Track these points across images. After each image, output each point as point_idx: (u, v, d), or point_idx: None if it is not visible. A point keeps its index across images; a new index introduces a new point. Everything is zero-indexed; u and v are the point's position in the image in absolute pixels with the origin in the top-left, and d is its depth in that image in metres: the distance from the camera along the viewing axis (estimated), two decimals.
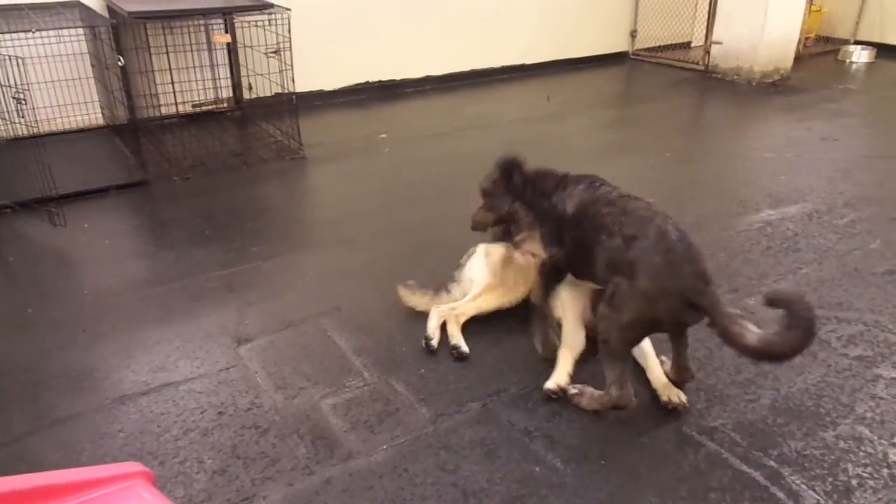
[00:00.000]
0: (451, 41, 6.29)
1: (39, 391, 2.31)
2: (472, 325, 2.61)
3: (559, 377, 2.30)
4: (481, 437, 2.10)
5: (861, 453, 2.02)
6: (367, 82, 5.97)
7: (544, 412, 2.20)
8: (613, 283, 2.04)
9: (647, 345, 2.37)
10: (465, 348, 2.49)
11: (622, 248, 2.03)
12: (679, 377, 2.30)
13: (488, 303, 2.65)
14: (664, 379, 2.28)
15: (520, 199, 2.52)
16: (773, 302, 1.87)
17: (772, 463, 1.99)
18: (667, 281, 1.95)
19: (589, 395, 2.21)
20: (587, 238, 2.16)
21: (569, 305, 2.45)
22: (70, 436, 2.12)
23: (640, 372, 2.34)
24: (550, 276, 2.42)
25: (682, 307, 1.96)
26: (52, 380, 2.36)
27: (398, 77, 6.12)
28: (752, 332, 1.85)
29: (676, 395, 2.21)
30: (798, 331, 1.79)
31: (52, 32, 3.94)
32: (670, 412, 2.19)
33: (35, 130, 3.47)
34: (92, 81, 4.62)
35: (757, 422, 2.15)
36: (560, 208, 2.30)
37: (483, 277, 2.68)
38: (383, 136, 4.94)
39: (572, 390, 2.25)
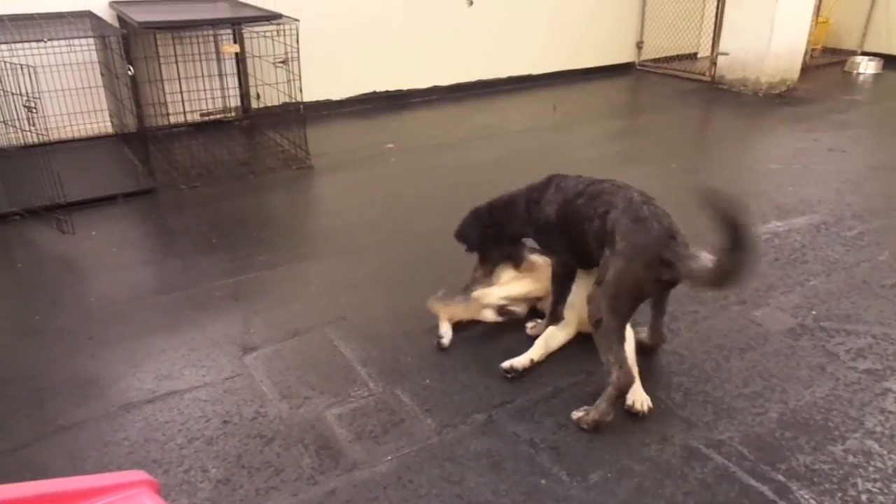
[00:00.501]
0: (458, 52, 6.31)
1: (45, 398, 2.31)
2: (477, 337, 2.61)
3: (521, 360, 2.41)
4: (487, 449, 2.09)
5: (871, 468, 2.00)
6: (374, 92, 6.00)
7: (550, 424, 2.19)
8: (602, 259, 2.16)
9: (629, 348, 2.34)
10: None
11: (601, 225, 2.19)
12: (653, 340, 2.49)
13: (516, 288, 2.67)
14: (638, 385, 2.27)
15: (498, 237, 2.64)
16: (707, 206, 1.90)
17: (780, 477, 1.97)
18: (638, 238, 2.09)
19: (595, 407, 2.18)
20: (577, 233, 2.31)
21: (576, 306, 2.50)
22: (75, 443, 2.12)
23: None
24: (562, 278, 2.52)
25: (655, 262, 2.07)
26: (58, 387, 2.36)
27: (405, 87, 6.14)
28: (705, 260, 1.96)
29: (641, 402, 2.23)
30: (741, 249, 1.85)
31: (63, 42, 3.97)
32: (678, 426, 2.17)
33: (45, 138, 3.49)
34: (101, 90, 4.65)
35: (765, 435, 2.13)
36: (544, 219, 2.43)
37: (507, 275, 2.72)
38: (390, 145, 4.96)
39: (577, 415, 2.20)
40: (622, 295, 2.12)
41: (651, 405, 2.24)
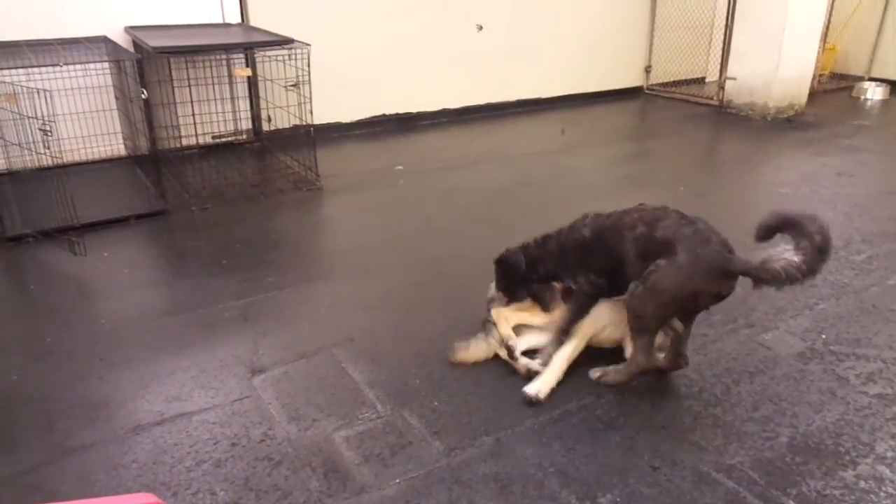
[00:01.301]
0: (468, 75, 6.38)
1: (55, 420, 2.32)
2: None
3: (543, 386, 2.38)
4: (495, 472, 2.08)
5: (882, 493, 1.98)
6: (384, 115, 6.06)
7: (559, 447, 2.18)
8: (652, 266, 2.17)
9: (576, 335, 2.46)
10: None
11: (647, 233, 2.22)
12: (675, 364, 2.45)
13: (528, 318, 2.65)
14: (553, 375, 2.39)
15: (537, 275, 2.60)
16: (777, 227, 2.06)
17: (791, 502, 1.95)
18: (702, 249, 2.13)
19: (613, 371, 2.37)
20: (611, 244, 2.33)
21: (588, 324, 2.51)
22: (84, 466, 2.12)
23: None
24: (587, 297, 2.53)
25: (718, 275, 2.13)
26: (67, 409, 2.38)
27: (414, 110, 6.20)
28: (781, 263, 2.00)
29: (536, 390, 2.34)
30: (815, 245, 1.96)
31: (78, 66, 4.04)
32: (687, 450, 2.16)
33: (59, 161, 3.54)
34: (115, 113, 4.72)
35: (775, 460, 2.12)
36: (578, 237, 2.45)
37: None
38: (399, 167, 4.99)
39: (596, 373, 2.40)
40: (673, 302, 2.20)
41: (540, 395, 2.34)
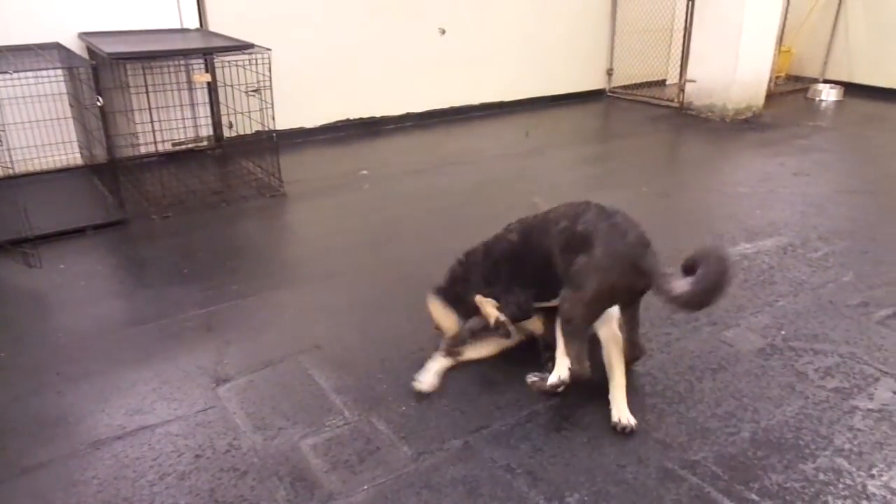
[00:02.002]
0: (431, 79, 6.39)
1: (9, 439, 2.25)
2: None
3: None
4: (463, 476, 2.08)
5: (840, 485, 2.03)
6: (348, 119, 6.03)
7: (526, 448, 2.18)
8: (574, 264, 2.23)
9: (616, 362, 2.41)
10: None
11: (570, 226, 2.29)
12: (632, 354, 2.45)
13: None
14: (623, 401, 2.32)
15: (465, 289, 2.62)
16: (690, 266, 2.05)
17: (753, 496, 1.98)
18: (616, 244, 2.18)
19: (541, 380, 2.38)
20: (539, 240, 2.40)
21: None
22: (41, 484, 2.06)
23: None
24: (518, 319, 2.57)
25: (632, 271, 2.16)
26: (23, 426, 2.31)
27: (378, 114, 6.19)
28: (679, 286, 2.05)
29: (627, 419, 2.26)
30: (712, 278, 1.99)
31: (30, 73, 3.94)
32: (653, 447, 2.18)
33: (11, 171, 3.45)
34: (70, 121, 4.62)
35: (738, 455, 2.15)
36: (507, 245, 2.52)
37: None
38: (364, 172, 4.97)
39: (531, 378, 2.40)
40: (596, 300, 2.25)
41: (635, 422, 2.25)
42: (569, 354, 2.31)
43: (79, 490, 2.03)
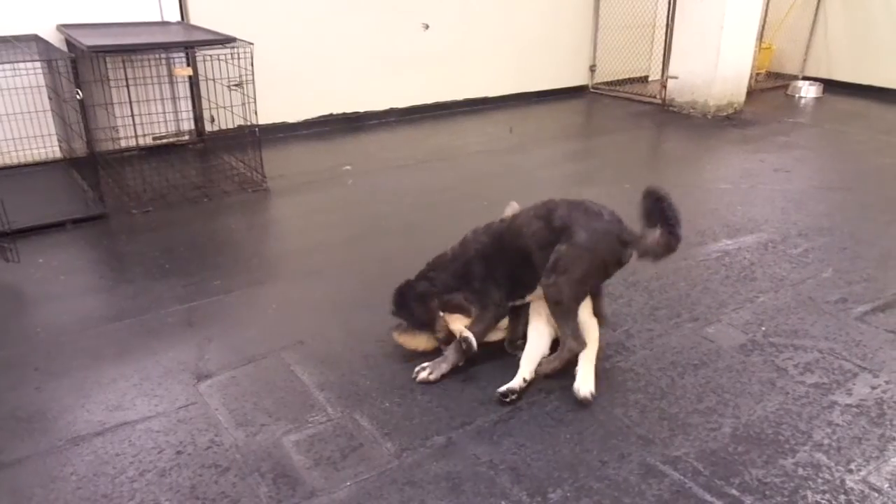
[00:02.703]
0: (415, 74, 6.37)
1: None
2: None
3: (516, 382, 2.41)
4: (446, 472, 2.08)
5: (819, 480, 2.05)
6: (331, 114, 6.00)
7: (509, 444, 2.19)
8: (554, 253, 2.35)
9: (591, 340, 2.50)
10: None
11: (545, 225, 2.41)
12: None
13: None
14: (591, 374, 2.43)
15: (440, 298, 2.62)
16: (648, 218, 2.33)
17: (734, 491, 2.00)
18: (597, 225, 2.36)
19: (546, 362, 2.46)
20: (512, 243, 2.48)
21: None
22: (18, 480, 2.04)
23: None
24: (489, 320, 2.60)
25: (616, 244, 2.36)
26: (1, 422, 2.27)
27: (362, 109, 6.16)
28: (654, 240, 2.31)
29: (588, 390, 2.38)
30: (668, 216, 2.28)
31: (7, 65, 3.88)
32: (635, 443, 2.20)
33: None
34: (49, 114, 4.55)
35: (719, 450, 2.17)
36: (479, 246, 2.56)
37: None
38: (347, 167, 4.95)
39: (527, 370, 2.45)
40: (586, 278, 2.39)
41: (593, 393, 2.38)
42: (565, 335, 2.41)
43: (57, 486, 2.01)
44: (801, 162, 5.29)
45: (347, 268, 3.43)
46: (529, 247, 2.43)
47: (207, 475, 2.06)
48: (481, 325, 2.56)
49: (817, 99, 7.42)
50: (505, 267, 2.50)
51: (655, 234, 2.31)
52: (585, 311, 2.54)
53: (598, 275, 2.46)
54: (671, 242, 2.29)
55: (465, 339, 2.49)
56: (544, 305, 2.48)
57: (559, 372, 2.44)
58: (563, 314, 2.40)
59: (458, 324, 2.57)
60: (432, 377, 2.49)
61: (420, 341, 2.63)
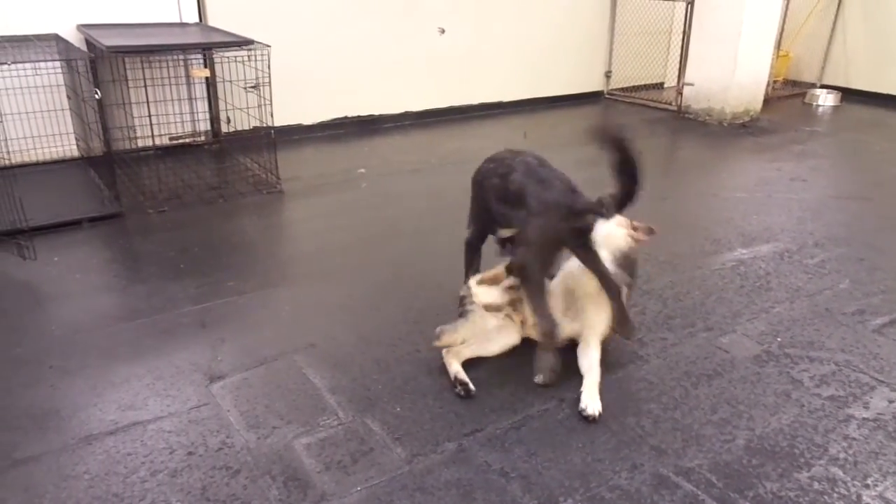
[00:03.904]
0: (430, 78, 6.37)
1: (1, 431, 2.24)
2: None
3: (595, 400, 2.37)
4: (457, 479, 2.07)
5: (835, 495, 2.03)
6: (346, 117, 6.01)
7: (521, 452, 2.18)
8: (515, 219, 2.47)
9: (594, 358, 2.50)
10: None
11: (500, 184, 2.55)
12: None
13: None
14: (595, 389, 2.40)
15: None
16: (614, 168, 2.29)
17: None
18: (548, 195, 2.41)
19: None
20: (484, 192, 2.68)
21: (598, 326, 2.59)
22: (32, 478, 2.05)
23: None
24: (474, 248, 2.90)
25: (569, 214, 2.38)
26: (15, 419, 2.29)
27: (377, 112, 6.17)
28: (613, 202, 2.29)
29: (593, 407, 2.34)
30: (631, 181, 2.24)
31: (28, 65, 3.91)
32: (647, 453, 2.18)
33: (7, 162, 3.42)
34: (68, 113, 4.59)
35: (733, 462, 2.15)
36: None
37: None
38: (361, 170, 4.96)
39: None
40: (543, 248, 2.45)
41: (600, 411, 2.33)
42: (535, 312, 2.46)
43: (70, 485, 2.02)
44: (818, 171, 5.24)
45: (360, 271, 3.43)
46: (489, 198, 2.62)
47: (218, 477, 2.06)
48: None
49: (835, 107, 7.35)
50: (477, 205, 2.74)
51: (615, 194, 2.28)
52: (594, 337, 2.55)
53: (554, 245, 2.48)
54: (631, 191, 2.25)
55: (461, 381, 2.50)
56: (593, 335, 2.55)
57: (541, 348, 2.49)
58: (529, 291, 2.47)
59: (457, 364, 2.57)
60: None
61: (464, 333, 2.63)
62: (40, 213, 3.69)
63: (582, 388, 2.41)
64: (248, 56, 4.36)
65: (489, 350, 2.62)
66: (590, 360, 2.51)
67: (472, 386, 2.45)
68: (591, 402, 2.35)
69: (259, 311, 3.03)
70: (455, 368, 2.51)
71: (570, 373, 2.52)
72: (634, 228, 2.53)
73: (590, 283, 2.53)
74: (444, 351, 2.59)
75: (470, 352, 2.59)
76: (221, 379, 2.53)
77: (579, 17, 7.14)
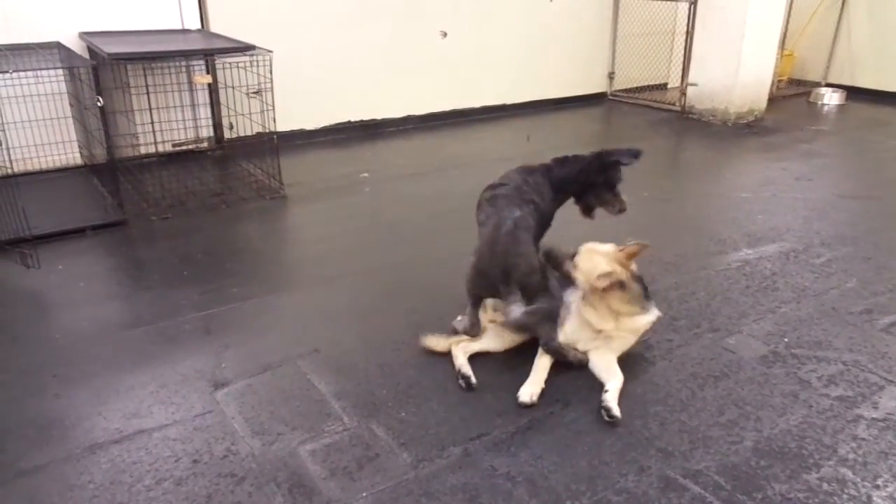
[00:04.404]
0: (433, 81, 6.37)
1: (6, 441, 2.23)
2: (453, 368, 2.59)
3: (534, 388, 2.44)
4: (463, 483, 2.05)
5: (845, 496, 2.01)
6: (349, 122, 6.01)
7: (527, 456, 2.16)
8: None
9: (613, 366, 2.54)
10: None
11: (478, 212, 2.74)
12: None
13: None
14: (616, 394, 2.41)
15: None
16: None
17: None
18: (489, 241, 2.54)
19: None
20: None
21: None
22: (37, 488, 2.04)
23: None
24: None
25: (499, 260, 2.49)
26: (19, 429, 2.29)
27: (379, 116, 6.17)
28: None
29: (615, 409, 2.34)
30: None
31: (30, 73, 3.93)
32: (654, 456, 2.16)
33: (9, 171, 3.43)
34: (70, 121, 4.60)
35: (741, 464, 2.13)
36: None
37: None
38: (364, 175, 4.96)
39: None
40: (474, 279, 2.60)
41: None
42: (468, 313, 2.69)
43: (75, 494, 2.01)
44: (824, 170, 5.22)
45: (364, 276, 3.42)
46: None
47: (224, 484, 2.05)
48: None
49: (840, 106, 7.33)
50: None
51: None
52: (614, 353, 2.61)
53: (482, 281, 2.57)
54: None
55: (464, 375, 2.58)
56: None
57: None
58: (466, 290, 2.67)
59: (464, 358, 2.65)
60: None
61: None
62: (44, 221, 3.70)
63: (606, 390, 2.41)
64: (251, 62, 4.37)
65: (496, 345, 2.68)
66: (613, 365, 2.54)
67: (474, 379, 2.48)
68: (616, 404, 2.36)
69: (263, 316, 3.02)
70: (461, 361, 2.56)
71: (571, 376, 2.51)
72: (621, 251, 2.58)
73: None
74: (452, 344, 2.63)
75: (479, 346, 2.65)
76: (226, 386, 2.52)
77: (582, 18, 7.13)
